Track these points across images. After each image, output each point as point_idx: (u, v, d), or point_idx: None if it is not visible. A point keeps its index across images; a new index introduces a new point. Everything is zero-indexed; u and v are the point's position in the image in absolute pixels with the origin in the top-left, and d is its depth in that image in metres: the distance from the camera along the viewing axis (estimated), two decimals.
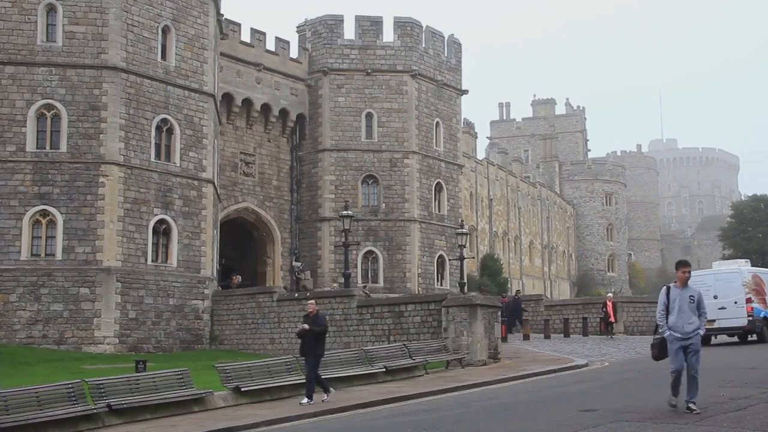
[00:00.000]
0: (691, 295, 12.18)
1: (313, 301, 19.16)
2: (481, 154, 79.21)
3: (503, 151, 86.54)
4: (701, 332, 12.21)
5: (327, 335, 30.03)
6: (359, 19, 48.56)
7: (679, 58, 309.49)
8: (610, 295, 40.36)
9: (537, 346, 31.39)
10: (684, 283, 12.22)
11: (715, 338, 28.36)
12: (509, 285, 64.98)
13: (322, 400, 17.33)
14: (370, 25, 48.35)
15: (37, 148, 32.93)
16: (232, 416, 16.17)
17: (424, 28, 49.82)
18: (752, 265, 31.58)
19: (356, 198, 46.22)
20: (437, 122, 50.02)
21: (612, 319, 35.68)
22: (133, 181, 34.07)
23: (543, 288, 79.02)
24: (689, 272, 12.31)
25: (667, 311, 12.20)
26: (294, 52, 48.21)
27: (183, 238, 35.74)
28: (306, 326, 17.85)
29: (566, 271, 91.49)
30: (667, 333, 12.10)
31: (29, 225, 32.39)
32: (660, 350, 12.38)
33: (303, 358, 18.23)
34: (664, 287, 12.41)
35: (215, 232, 38.47)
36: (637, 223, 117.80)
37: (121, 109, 33.80)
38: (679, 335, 11.99)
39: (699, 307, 12.24)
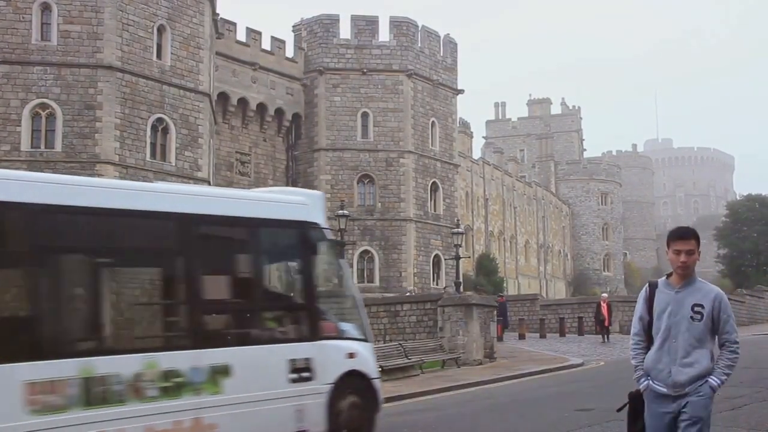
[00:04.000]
0: (696, 304, 5.33)
1: None
2: (476, 154, 79.33)
3: (499, 151, 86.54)
4: (714, 382, 5.32)
5: None
6: (355, 19, 48.55)
7: (675, 58, 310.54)
8: (605, 295, 39.82)
9: (533, 345, 31.39)
10: (684, 277, 5.39)
11: None
12: (505, 284, 64.96)
13: None
14: (365, 25, 48.35)
15: (32, 147, 32.90)
16: None
17: (419, 28, 49.83)
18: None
19: (352, 197, 46.22)
20: (433, 122, 50.04)
21: (607, 323, 33.86)
22: (129, 180, 34.01)
23: (539, 287, 79.01)
24: (693, 253, 5.34)
25: (648, 335, 5.60)
26: (290, 52, 48.21)
27: None
28: None
29: (562, 271, 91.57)
30: (643, 383, 5.59)
31: None
32: (634, 415, 5.69)
33: None
34: (645, 286, 5.71)
35: None
36: (632, 222, 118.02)
37: (117, 108, 33.77)
38: (663, 389, 5.41)
39: (715, 330, 5.37)
